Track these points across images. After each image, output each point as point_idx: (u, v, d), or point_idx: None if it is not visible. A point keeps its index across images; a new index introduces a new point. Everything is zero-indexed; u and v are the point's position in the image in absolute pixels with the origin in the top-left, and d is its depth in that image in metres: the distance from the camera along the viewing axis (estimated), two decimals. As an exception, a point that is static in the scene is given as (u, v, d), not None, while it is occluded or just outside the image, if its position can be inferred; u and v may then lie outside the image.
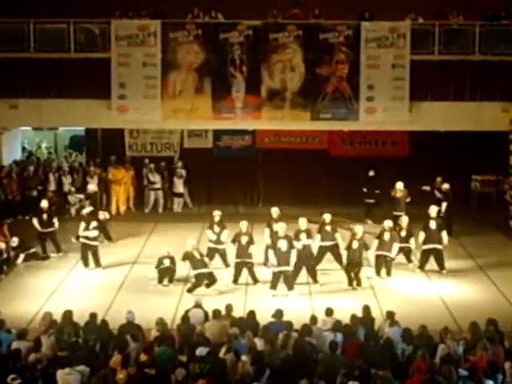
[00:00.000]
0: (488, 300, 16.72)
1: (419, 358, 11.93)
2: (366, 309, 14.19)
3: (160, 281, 17.44)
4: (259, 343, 12.72)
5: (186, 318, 13.92)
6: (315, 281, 17.48)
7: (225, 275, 17.62)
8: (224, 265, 18.34)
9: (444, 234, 18.41)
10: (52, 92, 20.94)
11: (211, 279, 16.95)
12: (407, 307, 15.77)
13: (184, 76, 20.84)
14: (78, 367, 11.67)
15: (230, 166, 24.10)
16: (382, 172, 22.73)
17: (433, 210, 18.78)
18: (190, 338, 13.17)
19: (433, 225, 18.43)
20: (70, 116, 21.13)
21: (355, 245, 17.42)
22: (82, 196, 22.36)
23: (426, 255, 18.44)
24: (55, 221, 19.48)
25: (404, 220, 18.66)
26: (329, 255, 18.16)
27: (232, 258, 17.88)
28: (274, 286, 16.89)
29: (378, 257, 17.99)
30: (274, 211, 18.75)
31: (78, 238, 19.21)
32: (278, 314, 13.89)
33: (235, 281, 17.47)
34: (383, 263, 17.98)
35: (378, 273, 17.94)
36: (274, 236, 17.58)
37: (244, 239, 17.44)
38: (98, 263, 18.58)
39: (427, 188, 21.61)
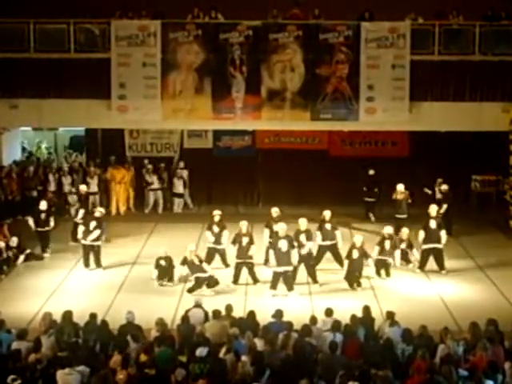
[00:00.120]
0: (488, 300, 16.71)
1: (419, 358, 11.92)
2: (366, 309, 14.18)
3: (160, 280, 17.44)
4: (259, 343, 12.71)
5: (185, 318, 13.91)
6: (315, 281, 17.48)
7: (225, 275, 17.61)
8: (224, 265, 18.34)
9: (443, 234, 18.39)
10: (52, 92, 20.94)
11: (212, 282, 16.92)
12: (407, 307, 15.76)
13: (184, 76, 20.83)
14: (78, 367, 11.66)
15: (230, 167, 24.09)
16: (382, 172, 22.77)
17: (433, 210, 18.73)
18: (189, 339, 13.15)
19: (433, 224, 18.38)
20: (69, 116, 21.12)
21: (355, 254, 17.32)
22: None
23: (425, 255, 18.40)
24: (51, 219, 19.46)
25: (404, 232, 18.55)
26: (328, 255, 18.18)
27: (232, 259, 17.89)
28: (274, 286, 16.88)
29: (378, 260, 17.95)
30: (274, 211, 18.76)
31: (77, 240, 19.20)
32: (278, 314, 13.88)
33: (235, 281, 17.47)
34: (383, 265, 17.95)
35: (377, 273, 17.93)
36: (274, 236, 17.58)
37: (245, 240, 17.43)
38: (98, 263, 18.56)
39: (429, 191, 21.66)
